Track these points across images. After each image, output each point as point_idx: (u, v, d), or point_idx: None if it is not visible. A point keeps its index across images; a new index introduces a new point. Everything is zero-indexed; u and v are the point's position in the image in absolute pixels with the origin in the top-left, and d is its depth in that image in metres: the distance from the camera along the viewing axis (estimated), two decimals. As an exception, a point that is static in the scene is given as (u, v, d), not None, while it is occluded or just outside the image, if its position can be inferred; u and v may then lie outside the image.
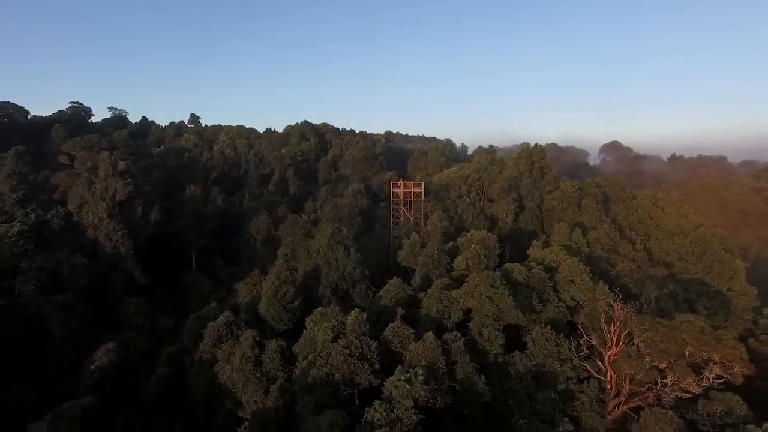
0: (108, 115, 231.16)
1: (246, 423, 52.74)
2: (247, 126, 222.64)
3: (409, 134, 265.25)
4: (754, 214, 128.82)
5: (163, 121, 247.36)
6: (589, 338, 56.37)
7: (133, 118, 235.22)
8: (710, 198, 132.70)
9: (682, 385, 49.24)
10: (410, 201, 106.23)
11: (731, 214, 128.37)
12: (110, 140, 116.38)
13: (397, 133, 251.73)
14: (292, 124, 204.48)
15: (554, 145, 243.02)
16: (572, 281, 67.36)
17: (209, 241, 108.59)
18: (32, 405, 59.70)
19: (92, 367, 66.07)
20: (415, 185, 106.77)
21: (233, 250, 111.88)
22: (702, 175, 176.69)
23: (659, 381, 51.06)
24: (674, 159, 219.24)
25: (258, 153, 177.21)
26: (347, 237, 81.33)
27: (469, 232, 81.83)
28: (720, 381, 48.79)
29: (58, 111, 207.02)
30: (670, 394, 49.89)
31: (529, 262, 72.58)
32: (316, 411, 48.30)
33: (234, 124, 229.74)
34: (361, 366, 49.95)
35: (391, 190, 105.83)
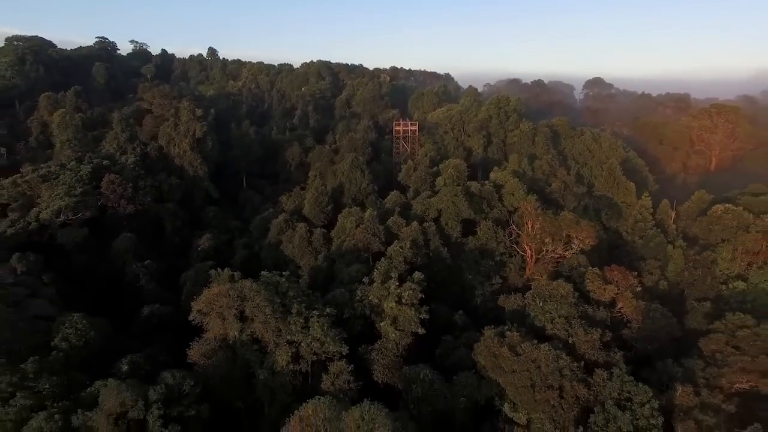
0: (130, 48, 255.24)
1: (304, 276, 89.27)
2: (265, 62, 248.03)
3: (413, 69, 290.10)
4: (682, 148, 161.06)
5: (180, 52, 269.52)
6: (517, 229, 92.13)
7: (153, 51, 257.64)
8: (651, 134, 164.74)
9: (559, 252, 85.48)
10: (408, 136, 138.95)
11: (666, 148, 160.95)
12: (180, 90, 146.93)
13: (401, 68, 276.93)
14: (308, 61, 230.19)
15: (540, 81, 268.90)
16: (513, 194, 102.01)
17: (254, 167, 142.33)
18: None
19: (198, 248, 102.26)
20: (411, 124, 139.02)
21: (271, 173, 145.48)
22: (659, 113, 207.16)
23: (549, 250, 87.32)
24: (642, 97, 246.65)
25: (280, 90, 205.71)
26: (362, 163, 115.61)
27: (449, 160, 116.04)
28: (580, 249, 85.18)
29: (85, 46, 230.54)
30: (554, 256, 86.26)
31: (487, 181, 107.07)
32: (347, 266, 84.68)
33: (251, 60, 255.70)
34: (373, 239, 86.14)
35: (393, 127, 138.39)
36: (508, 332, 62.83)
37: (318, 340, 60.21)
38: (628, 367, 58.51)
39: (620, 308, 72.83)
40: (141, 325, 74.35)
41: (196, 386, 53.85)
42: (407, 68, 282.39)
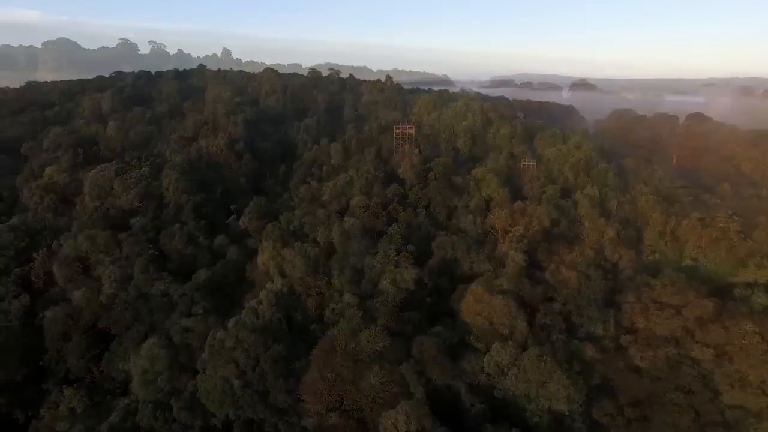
0: (149, 48, 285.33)
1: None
2: (269, 63, 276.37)
3: (413, 70, 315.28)
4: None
5: (194, 51, 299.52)
6: (491, 213, 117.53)
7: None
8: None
9: (520, 231, 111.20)
10: (407, 137, 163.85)
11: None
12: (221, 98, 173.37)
13: (402, 69, 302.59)
14: (317, 64, 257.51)
15: (529, 83, 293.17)
16: (488, 186, 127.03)
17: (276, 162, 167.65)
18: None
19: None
20: (409, 127, 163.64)
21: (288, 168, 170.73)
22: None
23: (513, 230, 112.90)
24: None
25: (293, 92, 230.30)
26: (369, 160, 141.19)
27: (439, 158, 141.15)
28: (535, 229, 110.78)
29: (107, 47, 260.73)
30: (517, 235, 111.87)
31: (469, 176, 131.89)
32: (359, 239, 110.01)
33: (264, 62, 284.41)
34: (377, 222, 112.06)
35: (394, 129, 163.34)
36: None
37: (338, 291, 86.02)
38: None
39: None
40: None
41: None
42: (408, 69, 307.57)
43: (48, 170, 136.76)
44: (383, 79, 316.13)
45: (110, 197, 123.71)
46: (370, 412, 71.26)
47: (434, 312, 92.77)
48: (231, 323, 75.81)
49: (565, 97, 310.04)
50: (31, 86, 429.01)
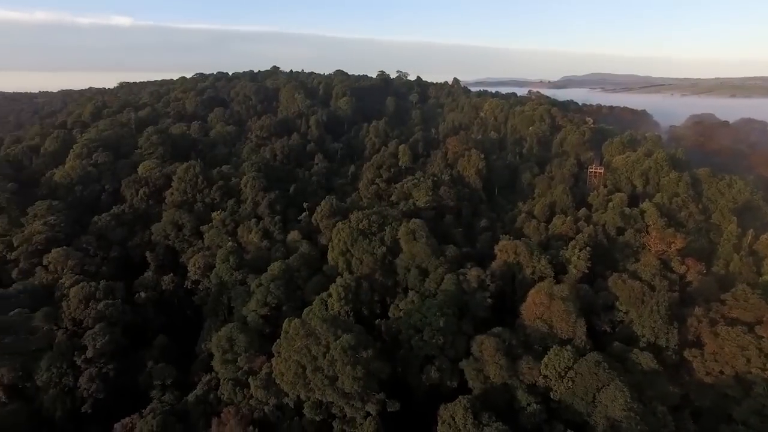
0: (394, 74, 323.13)
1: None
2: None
3: (614, 105, 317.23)
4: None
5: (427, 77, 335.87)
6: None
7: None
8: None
9: (662, 248, 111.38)
10: (597, 174, 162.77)
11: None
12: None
13: (605, 105, 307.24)
14: (534, 103, 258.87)
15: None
16: (649, 216, 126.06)
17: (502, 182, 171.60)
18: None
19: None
20: (598, 167, 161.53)
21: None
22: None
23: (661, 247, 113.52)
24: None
25: (513, 125, 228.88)
26: (567, 189, 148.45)
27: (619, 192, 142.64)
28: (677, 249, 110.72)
29: (372, 77, 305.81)
30: (659, 250, 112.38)
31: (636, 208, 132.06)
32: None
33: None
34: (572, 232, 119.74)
35: (588, 168, 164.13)
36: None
37: (403, 288, 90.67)
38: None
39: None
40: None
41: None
42: (610, 105, 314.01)
43: (142, 166, 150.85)
44: (450, 81, 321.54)
45: (195, 192, 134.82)
46: (429, 403, 75.74)
47: (495, 313, 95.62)
48: (304, 313, 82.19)
49: (638, 100, 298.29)
50: (123, 86, 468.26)
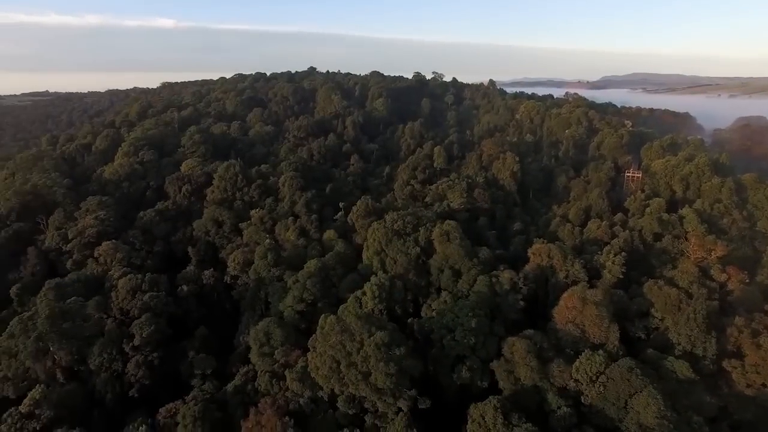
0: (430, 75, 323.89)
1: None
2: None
3: (654, 107, 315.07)
4: None
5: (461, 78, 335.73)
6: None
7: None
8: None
9: (702, 254, 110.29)
10: (635, 179, 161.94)
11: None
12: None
13: (645, 108, 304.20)
14: (571, 105, 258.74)
15: (643, 85, 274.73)
16: (689, 222, 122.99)
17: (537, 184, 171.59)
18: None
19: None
20: (636, 172, 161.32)
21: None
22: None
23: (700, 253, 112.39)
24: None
25: (549, 127, 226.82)
26: (603, 193, 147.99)
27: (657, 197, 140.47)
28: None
29: (407, 77, 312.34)
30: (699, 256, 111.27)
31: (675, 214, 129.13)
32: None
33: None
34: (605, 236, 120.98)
35: (625, 172, 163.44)
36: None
37: (436, 288, 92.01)
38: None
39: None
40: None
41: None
42: (650, 108, 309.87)
43: (184, 164, 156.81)
44: (486, 82, 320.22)
45: (235, 190, 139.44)
46: (460, 401, 77.00)
47: (527, 316, 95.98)
48: (339, 310, 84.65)
49: (682, 102, 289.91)
50: (165, 86, 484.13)
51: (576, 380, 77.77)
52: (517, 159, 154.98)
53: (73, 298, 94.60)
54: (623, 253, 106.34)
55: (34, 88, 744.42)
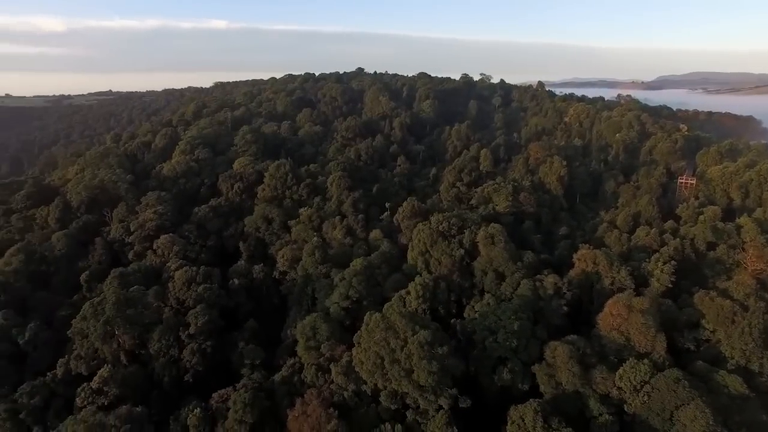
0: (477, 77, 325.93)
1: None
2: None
3: (713, 111, 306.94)
4: None
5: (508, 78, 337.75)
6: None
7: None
8: None
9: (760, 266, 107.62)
10: (689, 185, 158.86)
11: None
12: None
13: (702, 111, 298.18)
14: (622, 108, 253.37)
15: (704, 85, 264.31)
16: (747, 232, 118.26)
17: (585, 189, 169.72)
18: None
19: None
20: (690, 178, 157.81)
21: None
22: None
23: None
24: None
25: (599, 131, 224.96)
26: (653, 199, 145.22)
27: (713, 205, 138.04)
28: None
29: (454, 79, 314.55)
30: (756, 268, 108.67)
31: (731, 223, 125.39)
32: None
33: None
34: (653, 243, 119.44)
35: (679, 178, 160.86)
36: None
37: (479, 291, 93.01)
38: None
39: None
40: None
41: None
42: (709, 110, 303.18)
43: (237, 162, 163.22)
44: (534, 83, 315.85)
45: (284, 188, 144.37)
46: (500, 403, 77.92)
47: (570, 321, 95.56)
48: (384, 308, 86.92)
49: (747, 103, 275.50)
50: (217, 86, 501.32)
51: (619, 388, 77.12)
52: (565, 163, 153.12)
53: (135, 287, 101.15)
54: (673, 262, 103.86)
55: (99, 88, 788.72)
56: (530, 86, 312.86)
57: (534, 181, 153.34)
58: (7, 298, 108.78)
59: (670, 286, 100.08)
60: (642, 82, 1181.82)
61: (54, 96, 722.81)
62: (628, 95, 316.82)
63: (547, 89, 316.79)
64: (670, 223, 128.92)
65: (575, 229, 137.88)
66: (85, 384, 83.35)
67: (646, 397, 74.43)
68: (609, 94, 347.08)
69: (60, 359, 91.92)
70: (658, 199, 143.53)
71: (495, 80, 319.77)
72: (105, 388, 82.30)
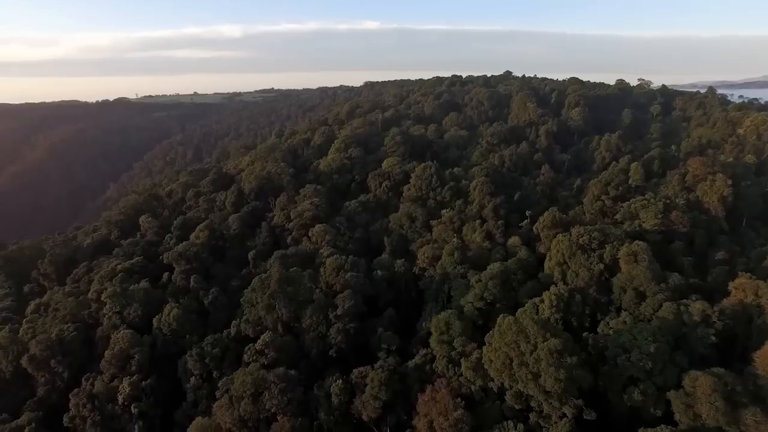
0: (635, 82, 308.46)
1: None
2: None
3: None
4: None
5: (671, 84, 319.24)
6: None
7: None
8: None
9: None
10: None
11: None
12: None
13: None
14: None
15: None
16: None
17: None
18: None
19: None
20: None
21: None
22: None
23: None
24: None
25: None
26: None
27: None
28: None
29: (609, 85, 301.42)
30: None
31: None
32: None
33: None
34: None
35: None
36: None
37: (616, 308, 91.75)
38: None
39: None
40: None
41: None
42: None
43: (385, 162, 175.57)
44: (704, 88, 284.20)
45: (429, 189, 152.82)
46: (628, 423, 77.41)
47: (719, 354, 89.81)
48: (518, 312, 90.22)
49: None
50: (367, 85, 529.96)
51: (773, 433, 72.01)
52: (730, 182, 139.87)
53: (294, 268, 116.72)
54: None
55: (264, 86, 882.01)
56: (698, 93, 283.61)
57: (690, 200, 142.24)
58: (197, 265, 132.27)
59: None
60: None
61: (228, 93, 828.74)
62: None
63: (720, 93, 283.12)
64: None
65: (737, 255, 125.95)
66: (251, 344, 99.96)
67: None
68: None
69: (233, 321, 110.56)
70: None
71: (656, 85, 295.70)
72: (266, 351, 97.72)
